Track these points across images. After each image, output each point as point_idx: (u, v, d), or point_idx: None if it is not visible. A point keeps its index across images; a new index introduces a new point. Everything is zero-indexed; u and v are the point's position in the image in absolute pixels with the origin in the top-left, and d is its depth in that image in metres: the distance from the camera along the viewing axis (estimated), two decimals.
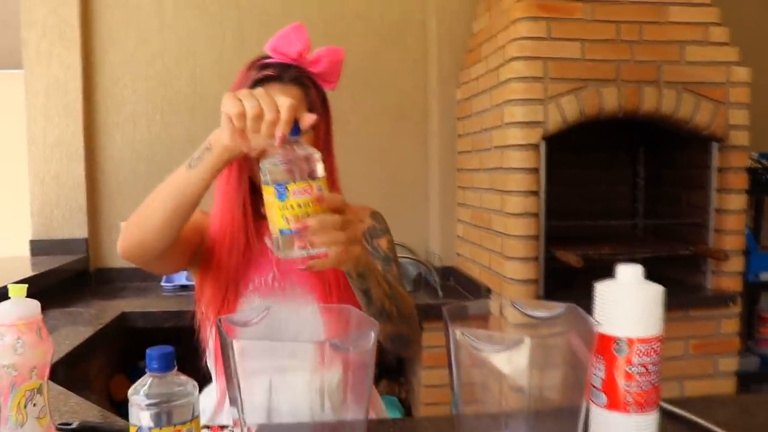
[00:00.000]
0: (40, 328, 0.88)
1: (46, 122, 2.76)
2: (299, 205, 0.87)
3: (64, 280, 2.64)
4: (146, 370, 0.80)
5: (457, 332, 0.83)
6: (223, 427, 1.04)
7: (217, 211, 1.25)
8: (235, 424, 0.85)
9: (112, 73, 2.85)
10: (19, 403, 0.84)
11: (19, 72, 2.79)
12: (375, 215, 1.37)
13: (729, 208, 2.44)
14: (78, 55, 2.76)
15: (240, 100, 0.90)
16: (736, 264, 2.44)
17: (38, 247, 2.81)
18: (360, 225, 1.30)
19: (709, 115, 2.35)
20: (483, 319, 1.01)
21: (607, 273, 0.99)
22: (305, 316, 1.03)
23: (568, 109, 2.25)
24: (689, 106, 2.33)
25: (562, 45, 2.26)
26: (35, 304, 0.89)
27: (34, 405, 0.86)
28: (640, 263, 0.98)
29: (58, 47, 2.75)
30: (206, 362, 1.30)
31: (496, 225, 2.43)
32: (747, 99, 2.38)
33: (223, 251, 1.22)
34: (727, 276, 2.45)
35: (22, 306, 0.87)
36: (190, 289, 2.77)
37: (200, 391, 0.86)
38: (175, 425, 0.78)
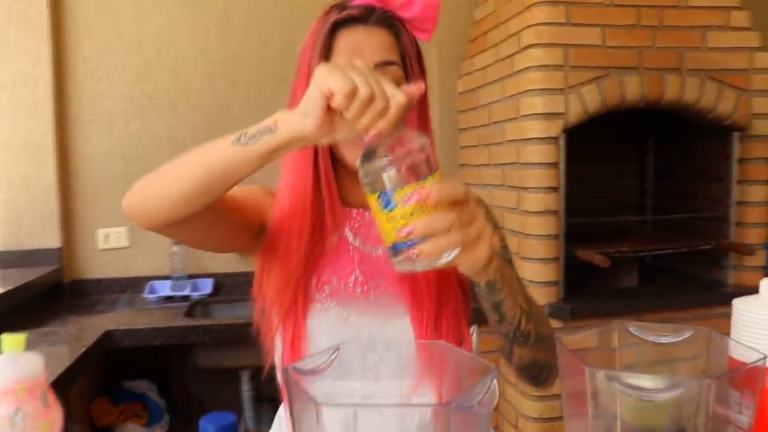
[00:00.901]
0: (45, 392, 0.68)
1: (13, 120, 2.50)
2: (412, 213, 0.69)
3: (36, 295, 2.40)
4: None
5: (601, 374, 0.66)
6: None
7: (285, 191, 1.02)
8: None
9: (85, 65, 2.60)
10: None
11: None
12: (479, 205, 1.14)
13: (751, 200, 2.33)
14: (47, 45, 2.51)
15: (349, 77, 0.70)
16: (759, 258, 2.33)
17: (6, 259, 2.54)
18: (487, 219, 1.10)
19: (732, 104, 2.23)
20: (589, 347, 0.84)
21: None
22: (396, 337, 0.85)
23: (589, 99, 2.11)
24: (712, 95, 2.21)
25: (581, 31, 2.12)
26: (37, 361, 0.69)
27: None
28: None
29: (26, 37, 2.49)
30: (275, 377, 1.09)
31: (512, 224, 2.28)
32: None
33: (292, 244, 1.00)
34: (750, 271, 2.35)
35: (20, 364, 0.67)
36: (176, 300, 2.55)
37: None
38: None
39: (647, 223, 2.81)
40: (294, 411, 0.68)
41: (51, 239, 2.58)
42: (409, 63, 1.00)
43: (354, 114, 0.70)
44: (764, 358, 0.67)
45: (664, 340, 0.81)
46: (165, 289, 2.59)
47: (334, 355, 0.78)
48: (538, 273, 2.15)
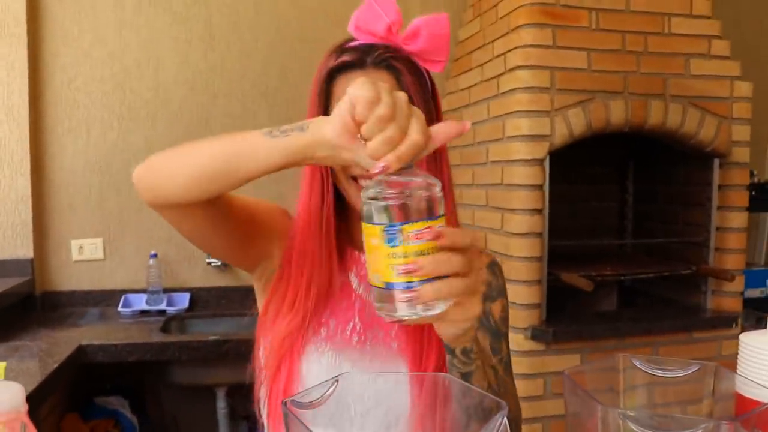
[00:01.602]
0: (25, 425, 0.64)
1: None
2: (418, 252, 0.64)
3: (6, 306, 2.32)
4: None
5: (616, 413, 0.64)
6: None
7: (299, 224, 0.99)
8: None
9: (63, 73, 2.55)
10: None
11: None
12: (494, 267, 1.08)
13: (730, 226, 2.36)
14: (24, 52, 2.45)
15: (378, 90, 0.67)
16: (737, 284, 2.36)
17: None
18: (482, 273, 1.05)
19: (713, 131, 2.26)
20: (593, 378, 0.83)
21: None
22: (386, 386, 0.82)
23: (575, 122, 2.12)
24: (694, 121, 2.23)
25: (568, 54, 2.13)
26: (17, 391, 0.66)
27: None
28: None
29: (1, 44, 2.43)
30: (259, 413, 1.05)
31: (495, 245, 2.27)
32: (749, 114, 2.31)
33: (302, 281, 0.97)
34: (728, 296, 2.37)
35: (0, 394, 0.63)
36: (151, 315, 2.50)
37: None
38: None
39: (627, 246, 2.83)
40: None
41: (23, 249, 2.51)
42: (415, 104, 0.96)
43: (368, 129, 0.66)
44: None
45: (669, 374, 0.80)
46: (140, 302, 2.53)
47: (332, 388, 0.75)
48: (521, 295, 2.14)
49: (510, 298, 2.13)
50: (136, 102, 2.61)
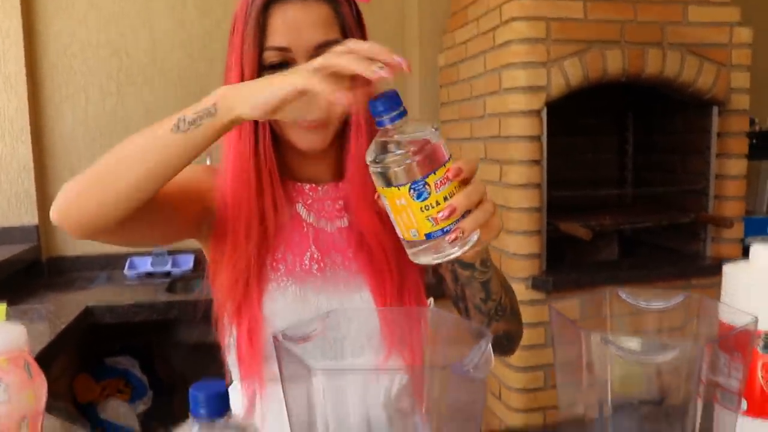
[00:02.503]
0: (29, 363, 0.66)
1: None
2: (445, 198, 0.68)
3: (13, 273, 2.36)
4: (191, 414, 0.59)
5: (598, 338, 0.66)
6: None
7: (229, 171, 0.96)
8: None
9: (58, 40, 2.54)
10: None
11: None
12: None
13: (729, 173, 2.36)
14: (18, 20, 2.44)
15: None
16: (736, 230, 2.37)
17: None
18: None
19: (711, 78, 2.25)
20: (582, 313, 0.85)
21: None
22: (375, 321, 0.84)
23: (571, 73, 2.11)
24: (693, 69, 2.22)
25: (563, 4, 2.11)
26: (20, 331, 0.67)
27: None
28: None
29: None
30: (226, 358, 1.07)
31: (494, 197, 2.25)
32: (748, 61, 2.29)
33: (241, 224, 0.95)
34: (728, 243, 2.38)
35: (2, 334, 0.65)
36: (156, 277, 2.53)
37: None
38: None
39: (627, 197, 2.83)
40: (284, 379, 0.68)
41: (27, 216, 2.53)
42: (351, 33, 0.94)
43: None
44: (755, 320, 0.68)
45: (654, 306, 0.81)
46: (145, 265, 2.57)
47: (325, 321, 0.77)
48: (520, 246, 2.16)
49: (511, 249, 2.16)
50: (133, 67, 2.61)
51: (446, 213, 0.67)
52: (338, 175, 1.04)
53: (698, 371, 0.65)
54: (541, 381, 2.17)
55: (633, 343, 0.64)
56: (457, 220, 0.69)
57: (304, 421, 0.67)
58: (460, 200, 0.68)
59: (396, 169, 0.67)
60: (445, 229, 0.68)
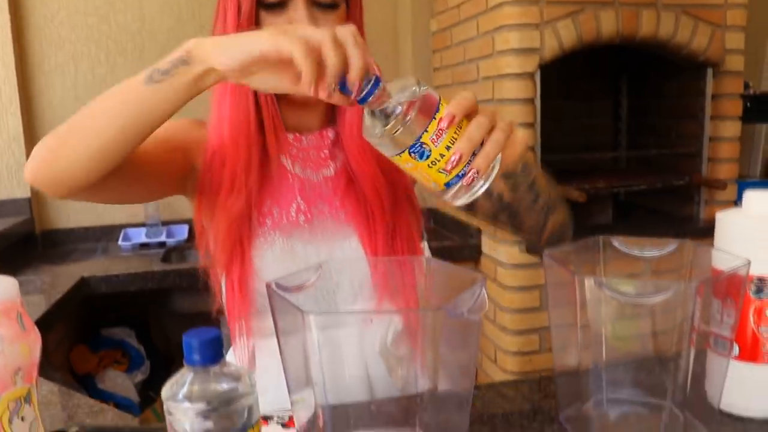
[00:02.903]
0: (21, 314, 0.65)
1: None
2: (448, 145, 0.67)
3: (7, 246, 2.35)
4: (185, 362, 0.59)
5: (592, 281, 0.66)
6: (265, 417, 0.82)
7: (223, 120, 0.95)
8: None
9: (44, 8, 2.50)
10: (1, 418, 0.61)
11: None
12: None
13: (723, 135, 2.36)
14: None
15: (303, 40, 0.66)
16: (730, 193, 2.37)
17: None
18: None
19: (706, 40, 2.23)
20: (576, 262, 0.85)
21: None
22: (352, 266, 0.84)
23: (565, 35, 2.09)
24: (687, 30, 2.20)
25: None
26: (10, 282, 0.66)
27: (23, 419, 0.63)
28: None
29: None
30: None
31: None
32: (743, 22, 2.27)
33: (237, 179, 0.94)
34: (721, 205, 2.38)
35: None
36: (151, 247, 2.53)
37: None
38: None
39: (621, 160, 2.83)
40: (278, 328, 0.68)
41: (20, 189, 2.52)
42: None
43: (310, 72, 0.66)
44: (748, 263, 0.68)
45: (648, 254, 0.81)
46: (140, 236, 2.56)
47: (318, 272, 0.77)
48: None
49: None
50: (122, 35, 2.58)
51: (454, 161, 0.67)
52: (325, 123, 1.03)
53: (692, 314, 0.65)
54: (537, 344, 2.18)
55: (626, 286, 0.64)
56: (469, 161, 0.68)
57: (301, 375, 0.68)
58: (463, 146, 0.67)
59: (388, 140, 0.67)
60: (460, 175, 0.68)
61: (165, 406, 0.57)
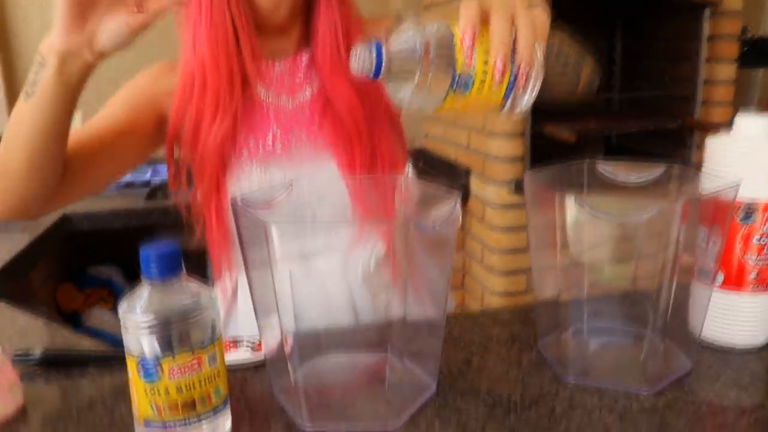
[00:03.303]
0: None
1: None
2: (484, 70, 0.62)
3: None
4: (143, 276, 0.57)
5: (572, 199, 0.64)
6: (236, 341, 0.81)
7: (190, 57, 0.92)
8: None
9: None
10: None
11: None
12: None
13: (718, 78, 2.32)
14: None
15: None
16: None
17: None
18: None
19: None
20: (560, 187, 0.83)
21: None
22: (330, 190, 0.82)
23: None
24: None
25: None
26: None
27: None
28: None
29: None
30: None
31: None
32: None
33: (212, 100, 0.92)
34: None
35: None
36: (136, 186, 2.49)
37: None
38: (193, 350, 0.56)
39: (613, 103, 2.79)
40: (244, 248, 0.66)
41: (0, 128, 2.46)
42: None
43: None
44: (737, 184, 0.65)
45: (634, 179, 0.79)
46: None
47: (288, 190, 0.74)
48: (503, 148, 2.13)
49: (493, 152, 2.13)
50: None
51: (500, 69, 0.62)
52: (300, 47, 1.00)
53: (677, 237, 0.63)
54: (523, 285, 2.19)
55: (609, 205, 0.62)
56: (512, 65, 0.64)
57: (270, 298, 0.65)
58: (499, 50, 0.61)
59: (425, 94, 0.63)
60: (510, 83, 0.64)
61: (122, 322, 0.55)
